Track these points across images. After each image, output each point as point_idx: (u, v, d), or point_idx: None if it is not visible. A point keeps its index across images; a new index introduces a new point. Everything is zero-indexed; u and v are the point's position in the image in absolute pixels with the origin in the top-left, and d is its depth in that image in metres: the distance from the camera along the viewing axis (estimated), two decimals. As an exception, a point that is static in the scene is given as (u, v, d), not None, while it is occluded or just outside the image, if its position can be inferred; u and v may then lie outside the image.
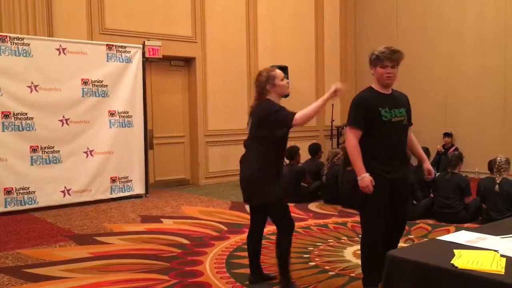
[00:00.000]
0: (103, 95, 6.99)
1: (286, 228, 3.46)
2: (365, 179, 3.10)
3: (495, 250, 2.06)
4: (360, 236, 3.41)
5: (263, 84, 3.46)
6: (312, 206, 6.54)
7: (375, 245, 3.23)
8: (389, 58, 3.15)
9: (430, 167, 3.47)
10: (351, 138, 3.18)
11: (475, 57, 8.91)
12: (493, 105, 8.66)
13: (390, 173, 3.17)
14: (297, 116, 3.22)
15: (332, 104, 10.01)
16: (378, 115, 3.15)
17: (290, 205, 6.47)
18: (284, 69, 9.16)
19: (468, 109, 9.06)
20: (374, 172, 3.13)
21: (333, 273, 3.85)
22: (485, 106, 8.74)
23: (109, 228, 5.49)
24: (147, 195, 7.43)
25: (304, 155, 7.64)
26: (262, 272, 3.69)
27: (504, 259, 1.94)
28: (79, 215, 6.19)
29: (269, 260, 4.18)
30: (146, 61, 7.58)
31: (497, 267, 1.85)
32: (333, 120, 10.08)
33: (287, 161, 7.41)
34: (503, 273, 1.80)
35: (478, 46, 8.86)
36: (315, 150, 7.67)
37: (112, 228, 5.46)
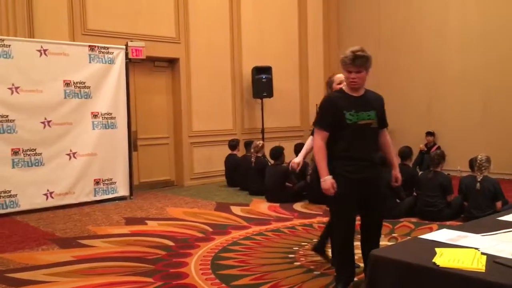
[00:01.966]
0: (85, 96, 6.92)
1: None
2: (326, 181, 3.13)
3: (476, 248, 2.09)
4: None
5: (327, 87, 4.03)
6: (297, 206, 6.56)
7: (343, 244, 3.29)
8: (351, 64, 3.12)
9: (399, 175, 3.47)
10: (317, 139, 3.23)
11: (457, 58, 9.03)
12: (474, 105, 8.79)
13: (354, 173, 3.17)
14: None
15: (316, 104, 10.06)
16: (343, 118, 3.15)
17: (276, 205, 6.57)
18: (267, 69, 9.20)
19: (450, 109, 9.18)
20: (337, 173, 3.16)
21: (318, 272, 3.86)
22: (467, 106, 8.87)
23: (93, 231, 5.43)
24: (132, 197, 7.38)
25: (290, 155, 7.66)
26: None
27: (485, 257, 1.97)
28: (62, 218, 6.12)
29: (254, 261, 4.18)
30: (129, 62, 7.51)
31: (478, 265, 1.88)
32: (318, 120, 10.11)
33: (272, 161, 7.45)
34: (484, 271, 1.83)
35: (460, 48, 8.98)
36: (300, 150, 7.67)
37: (96, 231, 5.41)
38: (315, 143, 3.22)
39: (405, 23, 9.79)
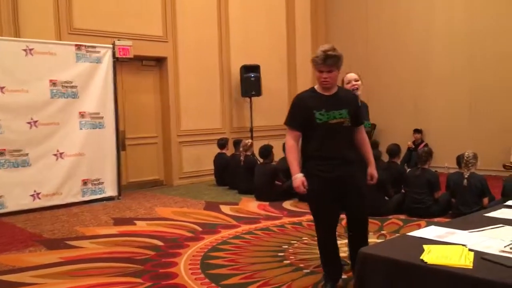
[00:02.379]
0: (72, 96, 6.85)
1: None
2: (297, 180, 3.11)
3: (463, 245, 2.10)
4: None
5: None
6: (287, 204, 6.57)
7: (325, 243, 3.32)
8: (323, 64, 3.07)
9: (374, 172, 3.40)
10: (288, 139, 3.23)
11: (443, 57, 9.11)
12: (461, 103, 8.87)
13: (327, 172, 3.15)
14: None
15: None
16: (312, 118, 3.13)
17: (265, 203, 6.57)
18: (256, 68, 9.20)
19: (437, 107, 9.26)
20: (310, 173, 3.15)
21: (308, 270, 3.87)
22: (453, 104, 8.96)
23: (81, 231, 5.39)
24: (120, 197, 7.33)
25: (279, 154, 7.67)
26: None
27: (472, 253, 1.99)
28: (49, 219, 6.06)
29: (244, 260, 4.18)
30: (117, 61, 7.46)
31: (466, 261, 1.89)
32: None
33: (261, 160, 7.45)
34: (471, 267, 1.84)
35: (446, 47, 9.06)
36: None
37: (84, 232, 5.37)
38: (286, 143, 3.23)
39: (392, 22, 9.85)
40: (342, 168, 3.17)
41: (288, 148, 3.21)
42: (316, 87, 3.26)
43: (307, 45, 10.84)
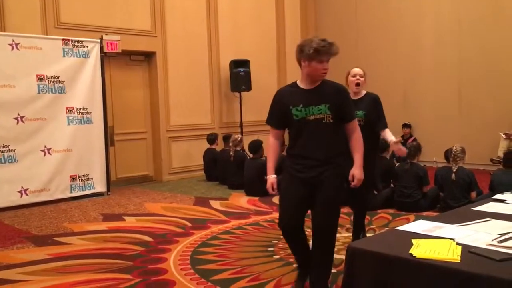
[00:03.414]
0: (60, 91, 6.78)
1: None
2: (269, 180, 3.08)
3: (451, 239, 2.12)
4: None
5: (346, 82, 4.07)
6: (276, 199, 6.54)
7: (289, 244, 3.25)
8: (328, 52, 2.85)
9: (357, 173, 3.04)
10: (269, 137, 3.19)
11: (432, 51, 9.15)
12: (449, 98, 8.93)
13: (300, 172, 2.97)
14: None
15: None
16: (290, 114, 2.97)
17: (255, 198, 6.57)
18: (245, 62, 9.17)
19: (426, 102, 9.31)
20: (286, 170, 3.08)
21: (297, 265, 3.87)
22: (442, 99, 9.01)
23: (69, 228, 5.35)
24: (109, 193, 7.28)
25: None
26: None
27: (460, 247, 2.00)
28: (37, 215, 6.01)
29: (233, 255, 4.17)
30: (105, 56, 7.39)
31: (453, 255, 1.91)
32: (296, 113, 10.14)
33: (250, 155, 7.44)
34: (459, 261, 1.85)
35: (435, 39, 9.10)
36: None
37: (73, 228, 5.33)
38: (268, 141, 3.19)
39: (382, 17, 9.86)
40: (319, 169, 2.94)
41: (268, 145, 3.19)
42: (299, 81, 3.07)
43: (297, 40, 10.75)
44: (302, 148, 2.98)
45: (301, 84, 3.04)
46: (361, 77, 4.10)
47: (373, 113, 4.04)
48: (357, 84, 4.07)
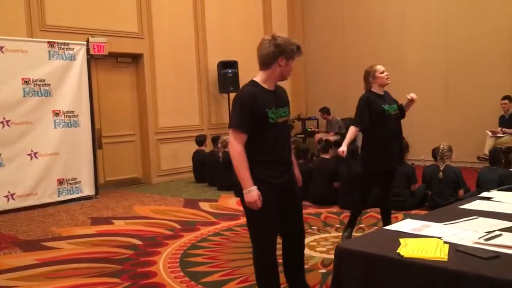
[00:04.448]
0: (46, 94, 6.71)
1: None
2: (252, 193, 2.65)
3: (438, 237, 2.13)
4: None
5: (365, 81, 4.31)
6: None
7: (269, 263, 2.86)
8: (299, 52, 2.82)
9: (299, 174, 3.07)
10: (236, 144, 2.68)
11: (418, 48, 9.21)
12: (436, 96, 8.99)
13: (276, 178, 2.77)
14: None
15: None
16: (265, 117, 2.70)
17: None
18: (233, 63, 9.16)
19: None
20: (258, 179, 2.69)
21: (287, 266, 3.87)
22: (428, 97, 9.05)
23: (57, 232, 5.30)
24: (97, 196, 7.23)
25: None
26: None
27: (447, 245, 2.01)
28: (24, 220, 5.94)
29: (223, 257, 4.17)
30: (91, 58, 7.35)
31: (441, 254, 1.92)
32: (284, 114, 10.16)
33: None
34: (446, 260, 1.87)
35: (421, 37, 9.17)
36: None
37: (61, 232, 5.28)
38: (234, 149, 2.68)
39: (368, 15, 9.91)
40: (289, 174, 2.89)
41: (239, 154, 2.67)
42: (260, 81, 2.80)
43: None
44: (275, 152, 2.79)
45: (265, 85, 2.79)
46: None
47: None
48: (389, 82, 4.33)
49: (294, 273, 3.05)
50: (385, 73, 4.27)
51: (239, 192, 2.78)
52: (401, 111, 4.47)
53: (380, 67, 4.30)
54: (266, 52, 2.75)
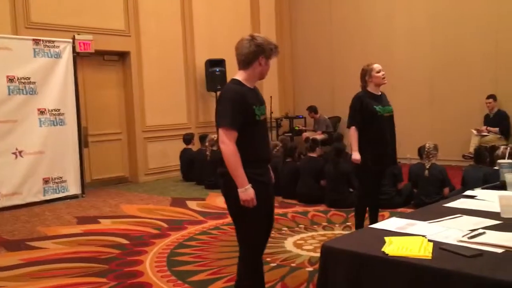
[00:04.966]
0: (31, 92, 6.64)
1: None
2: (248, 191, 2.63)
3: (423, 236, 2.15)
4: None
5: (361, 80, 4.29)
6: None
7: (257, 263, 2.88)
8: (276, 52, 2.87)
9: (271, 172, 3.01)
10: (229, 143, 2.63)
11: (404, 48, 9.28)
12: (422, 95, 9.08)
13: (262, 176, 2.77)
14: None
15: (271, 96, 10.11)
16: (253, 114, 2.72)
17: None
18: (221, 62, 9.14)
19: (398, 100, 9.33)
20: (250, 178, 2.66)
21: (274, 264, 3.89)
22: (414, 96, 9.14)
23: (43, 231, 5.25)
24: (84, 195, 7.17)
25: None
26: None
27: (432, 243, 2.03)
28: (9, 219, 5.87)
29: (210, 256, 4.16)
30: (77, 56, 7.28)
31: (425, 252, 1.93)
32: (272, 112, 10.16)
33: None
34: (430, 258, 1.88)
35: (407, 38, 9.24)
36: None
37: (46, 232, 5.23)
38: (229, 147, 2.63)
39: (355, 15, 9.96)
40: (269, 171, 2.91)
41: (234, 153, 2.63)
42: (242, 80, 2.80)
43: (272, 38, 10.72)
44: (261, 150, 2.81)
45: (247, 83, 2.80)
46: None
47: None
48: (385, 81, 4.29)
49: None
50: (382, 73, 4.24)
51: (228, 191, 2.76)
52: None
53: (376, 66, 4.25)
54: (246, 52, 2.77)
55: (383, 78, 4.25)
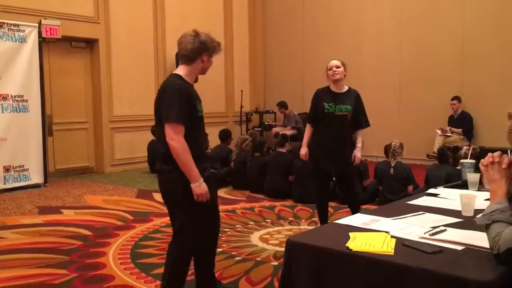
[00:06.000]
0: (-7, 77, 6.42)
1: None
2: (202, 185, 2.64)
3: (386, 232, 2.18)
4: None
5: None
6: (221, 192, 6.53)
7: (188, 261, 2.91)
8: (220, 50, 2.91)
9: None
10: (179, 139, 2.61)
11: (373, 49, 9.41)
12: (390, 94, 9.23)
13: (205, 171, 2.78)
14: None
15: (241, 90, 10.09)
16: (196, 110, 2.74)
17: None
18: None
19: (366, 99, 9.38)
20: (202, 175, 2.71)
21: (240, 258, 3.89)
22: (383, 95, 9.28)
23: (2, 221, 5.08)
24: (46, 185, 6.99)
25: (214, 141, 7.63)
26: None
27: (394, 240, 2.06)
28: (-33, 208, 5.68)
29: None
30: (43, 42, 7.07)
31: (387, 248, 1.96)
32: (242, 106, 10.15)
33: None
34: (393, 254, 1.91)
35: (376, 39, 9.36)
36: (225, 136, 7.70)
37: (5, 221, 5.07)
38: (181, 143, 2.60)
39: (327, 13, 10.03)
40: (210, 167, 2.94)
41: (185, 149, 2.61)
42: (185, 76, 2.80)
43: (245, 32, 10.81)
44: (203, 146, 2.89)
45: (187, 79, 2.81)
46: (337, 68, 4.11)
47: (356, 109, 4.24)
48: (335, 78, 4.12)
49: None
50: (333, 70, 4.09)
51: (168, 188, 2.78)
52: (352, 117, 4.22)
53: (330, 63, 4.15)
54: (190, 47, 2.78)
55: (333, 74, 4.09)
